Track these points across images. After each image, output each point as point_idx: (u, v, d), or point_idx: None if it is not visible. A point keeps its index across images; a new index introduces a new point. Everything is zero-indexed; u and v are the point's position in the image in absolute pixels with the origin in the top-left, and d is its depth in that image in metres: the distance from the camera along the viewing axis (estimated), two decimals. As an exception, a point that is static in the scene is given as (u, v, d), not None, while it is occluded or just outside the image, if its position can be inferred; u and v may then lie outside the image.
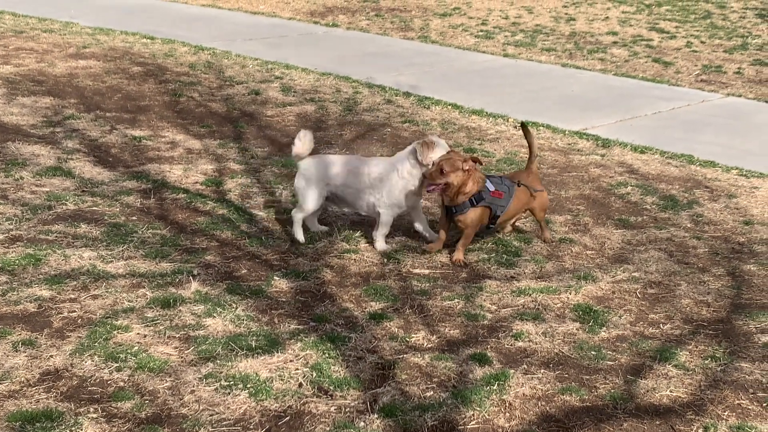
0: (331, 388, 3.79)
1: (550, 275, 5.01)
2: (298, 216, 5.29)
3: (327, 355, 4.04)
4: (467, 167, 5.02)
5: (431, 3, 14.64)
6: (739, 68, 10.31)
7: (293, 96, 8.70)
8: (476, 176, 5.11)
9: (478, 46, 11.45)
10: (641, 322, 4.49)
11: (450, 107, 8.52)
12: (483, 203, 5.13)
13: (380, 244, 5.28)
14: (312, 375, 3.87)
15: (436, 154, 5.09)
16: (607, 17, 13.39)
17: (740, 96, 9.13)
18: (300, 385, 3.81)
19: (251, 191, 6.12)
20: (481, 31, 12.32)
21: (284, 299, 4.59)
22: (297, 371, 3.90)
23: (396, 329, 4.35)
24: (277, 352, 4.04)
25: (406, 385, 3.85)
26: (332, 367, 3.95)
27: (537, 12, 13.84)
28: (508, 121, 8.10)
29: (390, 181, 5.16)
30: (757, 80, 9.76)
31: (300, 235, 5.28)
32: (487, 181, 5.18)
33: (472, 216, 5.14)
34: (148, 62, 9.84)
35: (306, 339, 4.17)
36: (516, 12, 13.82)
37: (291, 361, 3.98)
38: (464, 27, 12.61)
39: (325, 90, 8.97)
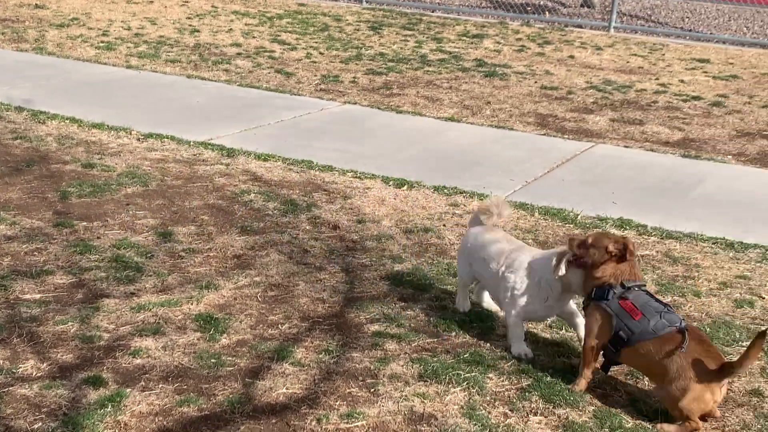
0: None
1: (172, 288, 4.94)
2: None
3: None
4: (611, 248, 4.02)
5: (47, 13, 13.82)
6: (354, 77, 10.99)
7: None
8: (622, 267, 4.02)
9: (100, 57, 11.02)
10: (261, 325, 4.58)
11: (68, 121, 8.08)
12: (603, 304, 3.98)
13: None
14: None
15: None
16: (231, 29, 13.59)
17: (356, 103, 9.73)
18: None
19: None
20: (102, 42, 11.88)
21: None
22: None
23: (1, 361, 4.01)
24: None
25: (12, 419, 3.56)
26: None
27: (161, 23, 13.65)
28: (131, 133, 7.87)
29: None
30: (370, 88, 10.48)
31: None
32: (640, 293, 3.98)
33: (589, 318, 4.08)
34: None
35: None
36: (139, 23, 13.52)
37: None
38: (84, 38, 12.07)
39: None
